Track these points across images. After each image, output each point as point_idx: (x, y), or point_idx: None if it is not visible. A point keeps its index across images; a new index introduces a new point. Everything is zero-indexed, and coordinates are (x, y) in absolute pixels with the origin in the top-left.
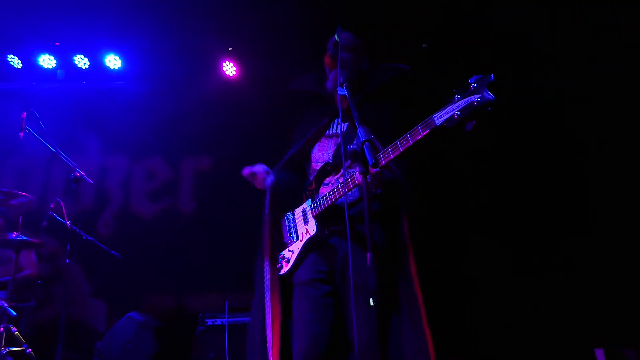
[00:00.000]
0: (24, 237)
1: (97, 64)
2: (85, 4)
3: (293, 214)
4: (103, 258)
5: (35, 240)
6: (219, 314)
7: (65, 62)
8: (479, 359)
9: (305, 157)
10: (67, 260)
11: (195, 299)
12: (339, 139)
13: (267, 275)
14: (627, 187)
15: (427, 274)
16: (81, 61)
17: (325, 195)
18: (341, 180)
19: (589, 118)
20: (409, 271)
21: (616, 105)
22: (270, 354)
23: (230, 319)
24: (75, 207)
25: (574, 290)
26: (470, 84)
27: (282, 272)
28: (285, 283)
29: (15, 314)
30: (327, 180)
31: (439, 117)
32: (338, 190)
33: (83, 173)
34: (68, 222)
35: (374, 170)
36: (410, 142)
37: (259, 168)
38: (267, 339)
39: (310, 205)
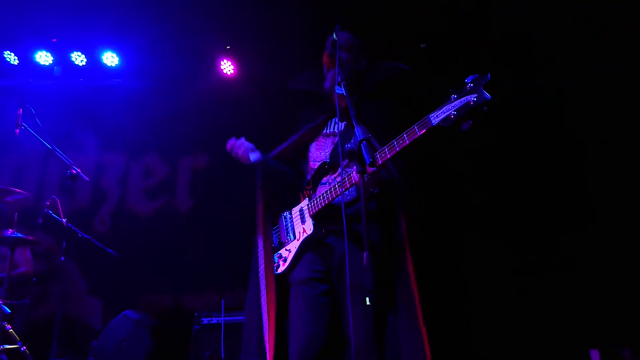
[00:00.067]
0: (20, 234)
1: (94, 61)
2: (82, 0)
3: (290, 213)
4: (99, 256)
5: (30, 238)
6: (215, 312)
7: (62, 58)
8: (476, 359)
9: (300, 154)
10: (63, 258)
11: (192, 297)
12: (337, 138)
13: (261, 252)
14: (626, 187)
15: (424, 274)
16: (78, 58)
17: (323, 194)
18: (338, 179)
19: (589, 118)
20: (406, 271)
21: (616, 105)
22: (268, 353)
23: (227, 318)
24: (72, 204)
25: (571, 291)
26: (467, 83)
27: (279, 271)
28: (282, 282)
29: (9, 311)
30: (324, 179)
31: (436, 117)
32: (335, 189)
33: (79, 170)
34: (64, 220)
35: (371, 169)
36: (407, 142)
37: (244, 142)
38: (265, 338)
39: (308, 205)
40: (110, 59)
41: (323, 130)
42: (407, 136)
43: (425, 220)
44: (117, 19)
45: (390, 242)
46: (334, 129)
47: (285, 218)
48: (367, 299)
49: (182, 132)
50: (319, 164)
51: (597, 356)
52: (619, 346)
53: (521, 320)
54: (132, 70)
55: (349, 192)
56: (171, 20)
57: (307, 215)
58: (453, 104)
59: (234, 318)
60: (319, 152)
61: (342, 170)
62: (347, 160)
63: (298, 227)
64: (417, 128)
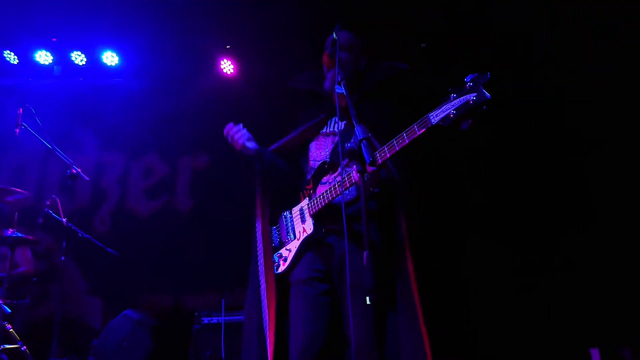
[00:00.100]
0: (20, 234)
1: (94, 60)
2: (82, 0)
3: (290, 213)
4: (99, 255)
5: (30, 237)
6: (215, 312)
7: (61, 58)
8: (476, 358)
9: (299, 151)
10: (63, 258)
11: (192, 297)
12: (337, 138)
13: (260, 251)
14: (626, 188)
15: (424, 273)
16: (78, 57)
17: (323, 194)
18: (338, 179)
19: (588, 118)
20: (406, 270)
21: (616, 105)
22: (269, 353)
23: (227, 318)
24: (72, 204)
25: (571, 291)
26: (466, 82)
27: (279, 270)
28: (282, 282)
29: (10, 311)
30: (324, 179)
31: (435, 116)
32: (335, 189)
33: (79, 170)
34: (64, 219)
35: (371, 168)
36: (407, 141)
37: (243, 129)
38: (266, 337)
39: (308, 204)
40: (110, 58)
41: (323, 129)
42: (406, 135)
43: (425, 219)
44: (117, 19)
45: (390, 242)
46: (334, 128)
47: (285, 217)
48: (367, 298)
49: (182, 131)
50: (319, 163)
51: (597, 355)
52: (619, 346)
53: (521, 320)
54: (132, 70)
55: (349, 191)
56: (171, 20)
57: (307, 215)
58: (452, 103)
59: (234, 317)
60: (319, 152)
61: (342, 169)
62: (347, 160)
63: (298, 227)
64: (417, 127)
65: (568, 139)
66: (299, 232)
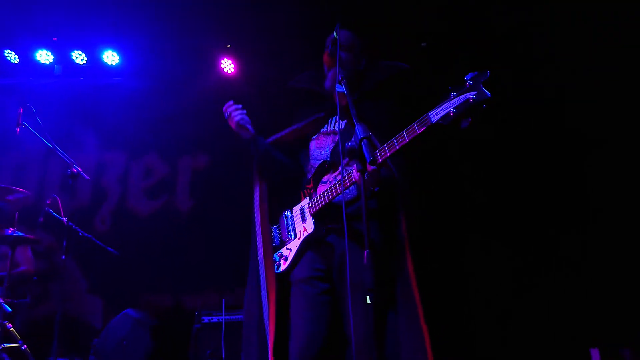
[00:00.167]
0: (20, 233)
1: (94, 59)
2: None
3: (291, 212)
4: (100, 255)
5: (31, 237)
6: (215, 311)
7: (62, 57)
8: (477, 358)
9: (299, 147)
10: (64, 257)
11: (192, 296)
12: (337, 137)
13: (260, 249)
14: (626, 188)
15: (424, 273)
16: (78, 57)
17: (323, 193)
18: (339, 178)
19: (588, 118)
20: (407, 269)
21: (616, 105)
22: (269, 352)
23: (227, 317)
24: (72, 203)
25: (571, 290)
26: (466, 81)
27: (280, 269)
28: (283, 281)
29: (10, 310)
30: (325, 178)
31: (435, 115)
32: (335, 188)
33: (80, 169)
34: (64, 218)
35: (372, 167)
36: (407, 140)
37: (242, 110)
38: (267, 337)
39: (308, 203)
40: (110, 57)
41: (323, 128)
42: (406, 134)
43: (426, 219)
44: (118, 18)
45: (391, 241)
46: (334, 127)
47: (286, 217)
48: (368, 297)
49: (182, 131)
50: (319, 162)
51: (597, 355)
52: (619, 346)
53: (522, 320)
54: (132, 69)
55: (349, 190)
56: (172, 19)
57: (307, 214)
58: (452, 102)
59: (234, 317)
60: (319, 151)
61: (343, 168)
62: (347, 159)
63: (299, 226)
64: (417, 126)
65: (568, 139)
66: (300, 231)
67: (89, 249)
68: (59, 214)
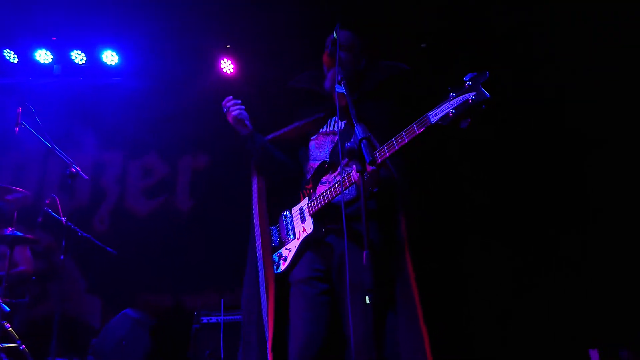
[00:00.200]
0: (19, 233)
1: (93, 59)
2: None
3: (290, 212)
4: (98, 255)
5: (30, 236)
6: (214, 311)
7: (61, 57)
8: (476, 359)
9: (299, 146)
10: (62, 257)
11: (191, 296)
12: (336, 137)
13: (259, 247)
14: (626, 188)
15: (424, 273)
16: (78, 57)
17: (322, 193)
18: (338, 178)
19: (588, 118)
20: (406, 270)
21: (616, 105)
22: (269, 352)
23: (226, 317)
24: (71, 203)
25: (570, 291)
26: (466, 81)
27: (279, 270)
28: (282, 281)
29: (9, 309)
30: (324, 178)
31: (434, 115)
32: (335, 188)
33: (79, 169)
34: (63, 218)
35: (371, 168)
36: (406, 140)
37: (241, 105)
38: (266, 337)
39: (307, 204)
40: (110, 57)
41: (323, 128)
42: (406, 135)
43: (425, 219)
44: (117, 18)
45: (390, 241)
46: (333, 127)
47: (285, 217)
48: (367, 297)
49: (181, 131)
50: (318, 163)
51: (596, 356)
52: (617, 346)
53: (521, 320)
54: (132, 69)
55: (348, 191)
56: (171, 19)
57: (307, 215)
58: (452, 102)
59: (233, 317)
60: (318, 151)
61: (342, 169)
62: (346, 159)
63: (298, 226)
64: (416, 126)
65: (568, 139)
66: (299, 231)
67: (87, 249)
68: (57, 213)
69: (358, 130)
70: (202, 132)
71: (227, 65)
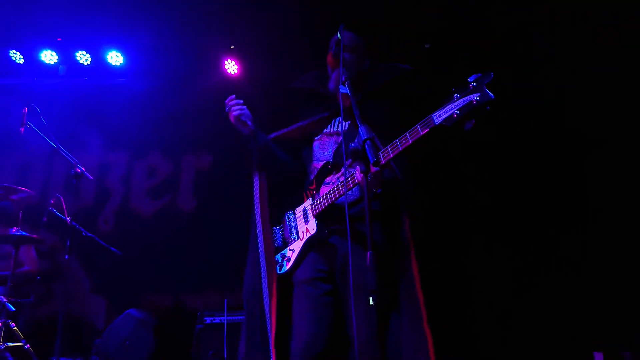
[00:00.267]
0: (24, 233)
1: (98, 60)
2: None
3: (294, 213)
4: (103, 255)
5: (35, 236)
6: (217, 312)
7: (66, 58)
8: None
9: (302, 146)
10: (67, 257)
11: (194, 297)
12: (340, 137)
13: (261, 247)
14: (627, 188)
15: (428, 274)
16: (83, 57)
17: (326, 194)
18: (342, 179)
19: (588, 118)
20: (411, 271)
21: (616, 105)
22: (272, 353)
23: (229, 318)
24: (76, 203)
25: (574, 293)
26: (470, 82)
27: (282, 270)
28: (285, 282)
29: (14, 309)
30: (327, 179)
31: (438, 116)
32: (338, 189)
33: (84, 169)
34: (68, 218)
35: (375, 169)
36: (410, 141)
37: (243, 105)
38: (270, 338)
39: (311, 204)
40: (114, 58)
41: (326, 128)
42: (410, 136)
43: (429, 220)
44: (122, 19)
45: (394, 242)
46: (337, 128)
47: (289, 218)
48: (371, 299)
49: (185, 131)
50: (322, 163)
51: (601, 359)
52: (620, 348)
53: (525, 322)
54: (136, 70)
55: (352, 192)
56: (175, 20)
57: (310, 215)
58: (456, 103)
59: (236, 317)
60: (322, 152)
61: (346, 170)
62: (350, 160)
63: (301, 227)
64: (420, 127)
65: (568, 139)
66: (303, 232)
67: (92, 249)
68: (62, 213)
69: (362, 131)
70: (206, 132)
71: (231, 66)
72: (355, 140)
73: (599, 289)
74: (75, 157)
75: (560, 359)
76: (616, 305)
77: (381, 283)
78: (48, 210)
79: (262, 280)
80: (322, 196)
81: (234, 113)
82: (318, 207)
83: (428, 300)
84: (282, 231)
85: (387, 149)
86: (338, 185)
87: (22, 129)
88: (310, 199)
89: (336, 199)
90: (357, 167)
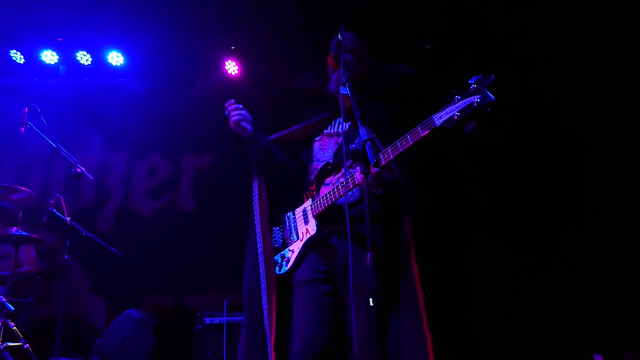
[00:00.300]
0: (24, 233)
1: (99, 60)
2: (88, 0)
3: (294, 214)
4: (103, 255)
5: (35, 236)
6: (217, 312)
7: (67, 58)
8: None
9: (302, 147)
10: (67, 257)
11: (194, 297)
12: (340, 138)
13: (260, 248)
14: (627, 188)
15: (427, 274)
16: (83, 57)
17: (326, 195)
18: (342, 180)
19: (589, 118)
20: (411, 272)
21: (616, 105)
22: (270, 353)
23: (229, 318)
24: (76, 203)
25: (574, 293)
26: (470, 84)
27: (282, 271)
28: (285, 283)
29: (13, 309)
30: (327, 180)
31: (439, 118)
32: (338, 190)
33: (84, 169)
34: (68, 218)
35: (375, 170)
36: (410, 143)
37: (243, 109)
38: (268, 339)
39: (311, 205)
40: (115, 58)
41: (327, 129)
42: (410, 137)
43: (429, 220)
44: (123, 19)
45: (394, 243)
46: (338, 129)
47: (288, 218)
48: (371, 299)
49: (186, 131)
50: (322, 164)
51: None
52: (620, 349)
53: (525, 322)
54: (136, 70)
55: (352, 192)
56: (176, 20)
57: (310, 216)
58: (456, 105)
59: (236, 318)
60: (322, 152)
61: (346, 170)
62: (350, 161)
63: (301, 228)
64: (421, 129)
65: (568, 139)
66: (302, 233)
67: (92, 249)
68: (62, 213)
69: (362, 132)
70: (206, 132)
71: (231, 67)
72: (356, 141)
73: (599, 290)
74: (75, 157)
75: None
76: (616, 306)
77: (381, 284)
78: (48, 210)
79: (261, 281)
80: (322, 197)
81: (234, 118)
82: (318, 208)
83: (428, 300)
84: (282, 232)
85: (388, 150)
86: (338, 186)
87: (23, 128)
88: (310, 199)
89: (336, 199)
90: (358, 168)
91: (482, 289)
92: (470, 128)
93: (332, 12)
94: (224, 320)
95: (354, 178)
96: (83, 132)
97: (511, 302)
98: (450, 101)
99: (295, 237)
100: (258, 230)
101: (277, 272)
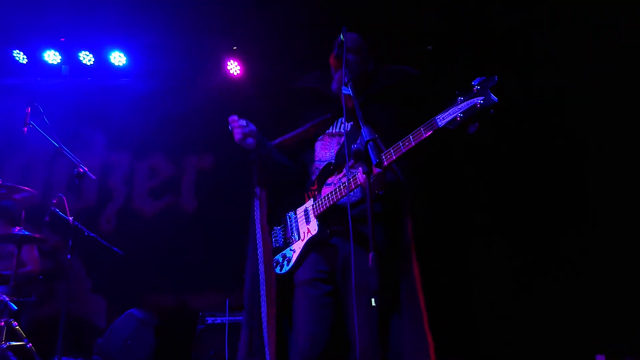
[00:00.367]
0: (27, 232)
1: (101, 60)
2: (90, 0)
3: (295, 213)
4: (105, 254)
5: (37, 236)
6: (219, 312)
7: (70, 58)
8: None
9: (303, 149)
10: (69, 256)
11: (196, 297)
12: (342, 138)
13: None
14: (627, 188)
15: (428, 274)
16: (86, 57)
17: (327, 195)
18: (343, 180)
19: (589, 118)
20: (412, 272)
21: (616, 105)
22: (267, 353)
23: (231, 318)
24: (78, 202)
25: (575, 293)
26: (474, 86)
27: (283, 271)
28: (286, 283)
29: (16, 308)
30: (329, 180)
31: (442, 119)
32: (340, 190)
33: (86, 169)
34: (70, 218)
35: (377, 170)
36: (413, 144)
37: (246, 124)
38: (266, 339)
39: (312, 205)
40: (117, 58)
41: (329, 129)
42: (413, 137)
43: (429, 220)
44: (125, 19)
45: (395, 244)
46: (340, 129)
47: (290, 218)
48: (373, 300)
49: (188, 132)
50: (324, 164)
51: None
52: (622, 351)
53: (526, 323)
54: (139, 70)
55: (353, 193)
56: (178, 21)
57: (311, 216)
58: (460, 106)
59: (238, 318)
60: (324, 152)
61: (348, 171)
62: (352, 161)
63: (303, 228)
64: (423, 130)
65: (568, 139)
66: (304, 232)
67: (94, 249)
68: (65, 213)
69: (364, 132)
70: (207, 133)
71: (233, 67)
72: (358, 141)
73: (600, 290)
74: (77, 157)
75: None
76: (618, 306)
77: (382, 284)
78: (50, 209)
79: (261, 282)
80: (324, 197)
81: (237, 137)
82: (319, 208)
83: (428, 300)
84: (283, 231)
85: (390, 150)
86: (340, 186)
87: (25, 128)
88: (312, 199)
89: (338, 199)
90: (360, 168)
91: (482, 289)
92: (473, 129)
93: (333, 12)
94: (225, 320)
95: (355, 178)
96: (85, 132)
97: (511, 302)
98: (453, 102)
99: (296, 236)
100: (258, 233)
101: (279, 271)
